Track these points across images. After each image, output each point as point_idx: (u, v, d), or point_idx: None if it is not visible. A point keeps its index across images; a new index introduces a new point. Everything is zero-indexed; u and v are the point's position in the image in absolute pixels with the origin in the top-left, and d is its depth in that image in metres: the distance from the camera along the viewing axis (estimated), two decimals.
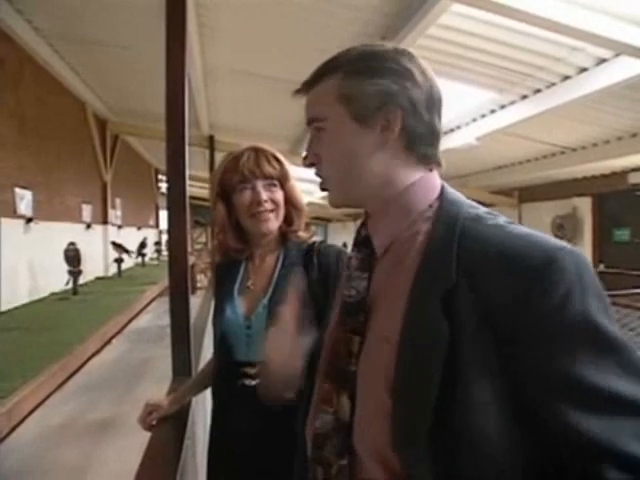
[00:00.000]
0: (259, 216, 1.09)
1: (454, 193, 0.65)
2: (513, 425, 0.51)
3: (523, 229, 0.56)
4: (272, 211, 1.11)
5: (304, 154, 0.69)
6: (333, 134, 0.64)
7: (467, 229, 0.57)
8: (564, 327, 0.49)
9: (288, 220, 1.15)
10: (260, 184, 1.10)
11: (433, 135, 0.64)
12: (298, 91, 0.68)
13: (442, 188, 0.65)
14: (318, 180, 0.69)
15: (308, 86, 0.66)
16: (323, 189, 0.69)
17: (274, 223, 1.11)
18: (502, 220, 0.59)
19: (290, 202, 1.14)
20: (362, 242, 0.68)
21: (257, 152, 1.12)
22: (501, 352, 0.51)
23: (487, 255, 0.53)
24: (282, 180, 1.12)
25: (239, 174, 1.10)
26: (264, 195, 1.09)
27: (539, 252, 0.51)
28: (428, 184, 0.64)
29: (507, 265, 0.51)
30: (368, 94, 0.61)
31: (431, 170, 0.65)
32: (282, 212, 1.13)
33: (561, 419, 0.49)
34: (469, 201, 0.64)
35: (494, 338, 0.51)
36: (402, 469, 0.53)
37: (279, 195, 1.12)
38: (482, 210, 0.61)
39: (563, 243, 0.53)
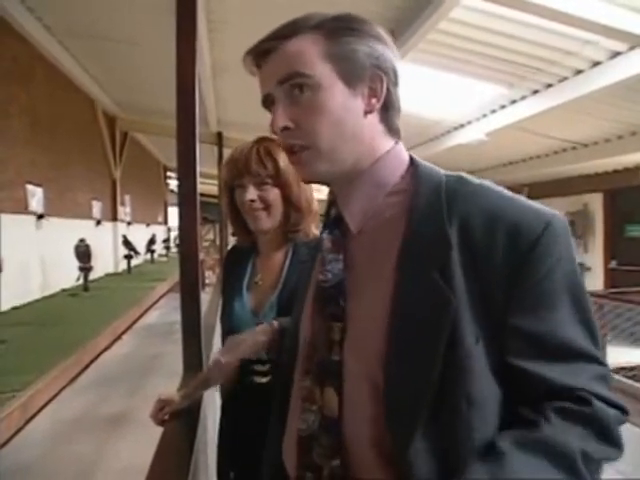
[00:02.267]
0: (250, 214, 1.08)
1: (425, 163, 0.62)
2: (498, 382, 0.52)
3: (509, 193, 0.57)
4: (263, 210, 1.07)
5: (276, 117, 0.58)
6: (321, 94, 0.56)
7: (454, 191, 0.56)
8: (554, 288, 0.52)
9: (287, 219, 1.10)
10: (250, 183, 1.07)
11: (399, 108, 0.63)
12: (260, 47, 0.58)
13: (411, 159, 0.63)
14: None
15: (276, 41, 0.57)
16: (295, 160, 0.60)
17: (266, 222, 1.08)
18: (485, 181, 0.58)
19: (288, 201, 1.08)
20: (333, 222, 0.64)
21: (252, 149, 1.08)
22: (492, 315, 0.51)
23: (482, 217, 0.53)
24: (276, 178, 1.07)
25: (233, 171, 1.09)
26: (252, 194, 1.06)
27: (534, 218, 0.53)
28: (398, 155, 0.62)
29: (506, 229, 0.52)
30: (361, 53, 0.57)
31: (397, 142, 0.63)
32: (277, 211, 1.08)
33: (535, 370, 0.51)
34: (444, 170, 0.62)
35: (491, 301, 0.51)
36: (400, 456, 0.51)
37: (271, 194, 1.07)
38: (462, 173, 0.60)
39: (551, 209, 0.55)
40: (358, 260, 0.60)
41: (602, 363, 0.53)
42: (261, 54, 0.59)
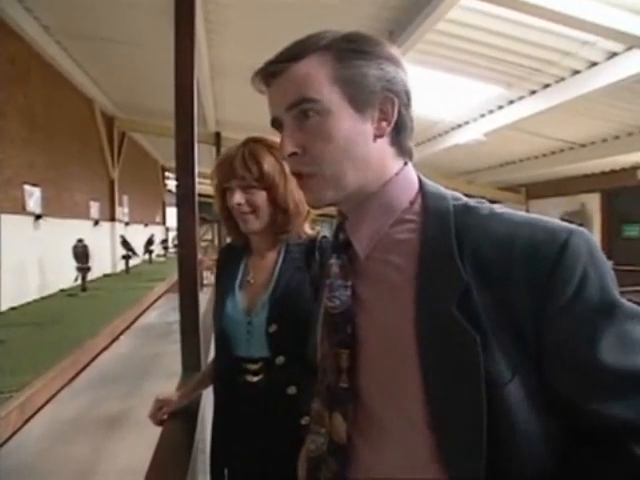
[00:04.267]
0: (239, 217, 1.09)
1: (434, 185, 0.61)
2: (547, 417, 0.50)
3: (520, 214, 0.54)
4: (251, 213, 1.08)
5: (283, 143, 0.57)
6: (329, 120, 0.55)
7: (462, 223, 0.54)
8: (585, 312, 0.48)
9: (274, 221, 1.10)
10: (236, 186, 1.07)
11: (412, 129, 0.61)
12: (267, 70, 0.57)
13: (420, 181, 0.61)
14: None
15: (284, 63, 0.56)
16: (302, 186, 0.59)
17: (254, 224, 1.08)
18: (496, 208, 0.56)
19: (275, 204, 1.08)
20: (341, 246, 0.62)
21: (238, 153, 1.08)
22: (526, 346, 0.49)
23: (495, 247, 0.51)
24: (261, 181, 1.07)
25: (222, 175, 1.10)
26: (239, 198, 1.06)
27: (550, 239, 0.50)
28: (407, 178, 0.60)
29: (521, 257, 0.49)
30: (371, 77, 0.55)
31: (406, 164, 0.61)
32: (264, 213, 1.08)
33: (586, 407, 0.49)
34: (451, 192, 0.60)
35: (518, 333, 0.49)
36: None
37: (258, 197, 1.07)
38: (469, 200, 0.58)
39: (568, 225, 0.52)
40: (368, 288, 0.58)
41: None
42: (270, 75, 0.58)
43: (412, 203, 0.58)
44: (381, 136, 0.57)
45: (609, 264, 0.52)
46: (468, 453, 0.49)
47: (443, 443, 0.50)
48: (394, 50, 0.58)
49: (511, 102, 5.13)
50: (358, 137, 0.56)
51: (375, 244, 0.58)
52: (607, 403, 0.48)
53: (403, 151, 0.60)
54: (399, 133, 0.58)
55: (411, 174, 0.61)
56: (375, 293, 0.57)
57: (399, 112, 0.57)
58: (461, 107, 5.56)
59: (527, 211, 9.34)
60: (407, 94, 0.58)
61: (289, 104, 0.56)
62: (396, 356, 0.54)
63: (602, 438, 0.49)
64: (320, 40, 0.56)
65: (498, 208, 0.56)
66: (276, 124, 0.60)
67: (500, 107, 5.35)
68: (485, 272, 0.50)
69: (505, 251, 0.50)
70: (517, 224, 0.52)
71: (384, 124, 0.57)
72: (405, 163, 0.61)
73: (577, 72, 4.15)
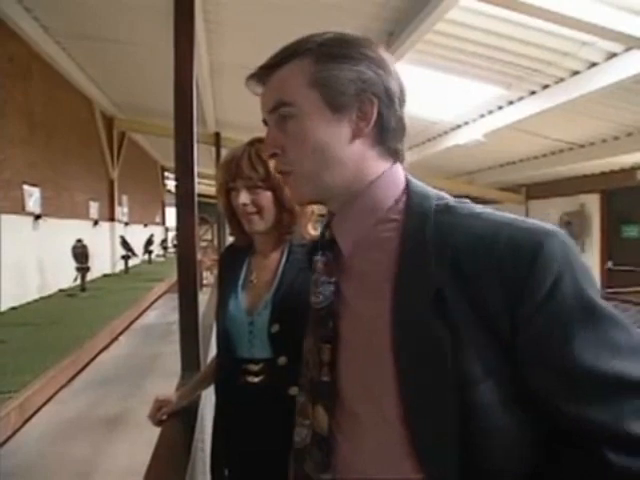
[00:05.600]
0: (244, 217, 1.09)
1: (420, 185, 0.62)
2: (523, 417, 0.51)
3: (499, 214, 0.55)
4: (256, 213, 1.08)
5: (265, 143, 0.62)
6: (303, 122, 0.58)
7: (441, 223, 0.55)
8: (559, 313, 0.49)
9: (280, 221, 1.10)
10: (242, 186, 1.08)
11: (402, 129, 0.61)
12: (257, 74, 0.61)
13: (407, 181, 0.61)
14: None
15: (270, 69, 0.60)
16: (284, 182, 0.63)
17: (259, 225, 1.09)
18: (476, 208, 0.57)
19: (280, 204, 1.09)
20: (326, 244, 0.64)
21: (244, 153, 1.09)
22: (501, 346, 0.50)
23: (472, 247, 0.51)
24: (267, 182, 1.07)
25: (227, 174, 1.10)
26: (244, 198, 1.07)
27: (526, 240, 0.50)
28: (393, 178, 0.61)
29: (497, 257, 0.50)
30: (345, 79, 0.57)
31: (394, 164, 0.62)
32: (270, 214, 1.09)
33: (564, 408, 0.49)
34: (436, 191, 0.61)
35: (493, 334, 0.50)
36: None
37: (264, 197, 1.07)
38: (451, 200, 0.59)
39: (545, 226, 0.52)
40: (350, 284, 0.60)
41: None
42: (260, 79, 0.62)
43: (397, 202, 0.59)
44: (359, 136, 0.58)
45: (588, 266, 0.52)
46: (440, 450, 0.49)
47: (416, 439, 0.51)
48: (378, 52, 0.59)
49: (511, 102, 5.13)
50: (333, 138, 0.57)
51: (359, 242, 0.60)
52: (581, 406, 0.48)
53: (389, 152, 0.61)
54: (382, 134, 0.59)
55: (397, 174, 0.61)
56: (356, 289, 0.59)
57: (379, 112, 0.58)
58: (461, 108, 5.56)
59: (527, 211, 9.37)
60: (389, 95, 0.58)
61: (270, 108, 0.60)
62: (372, 352, 0.55)
63: (577, 441, 0.49)
64: (304, 45, 0.58)
65: (478, 208, 0.57)
66: (265, 124, 0.64)
67: (500, 107, 5.35)
68: (461, 272, 0.51)
69: (481, 251, 0.51)
70: (495, 224, 0.53)
71: (362, 124, 0.58)
72: (393, 163, 0.62)
73: (576, 73, 4.15)
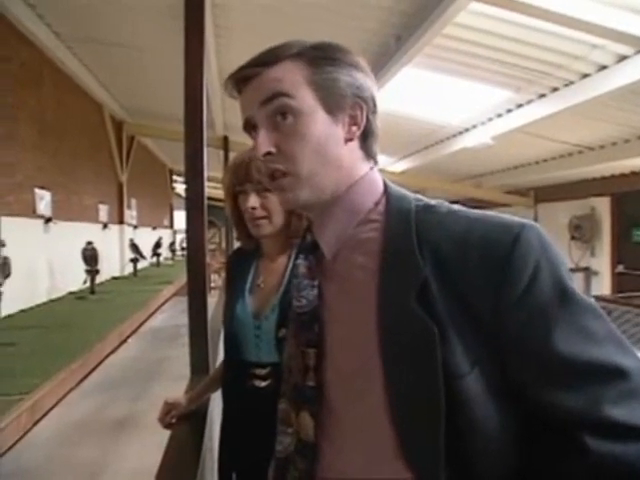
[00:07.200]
0: (252, 221, 1.09)
1: (397, 188, 0.63)
2: (509, 410, 0.52)
3: (476, 212, 0.57)
4: (265, 217, 1.08)
5: (259, 142, 0.58)
6: (303, 118, 0.57)
7: (422, 221, 0.56)
8: (539, 302, 0.50)
9: (288, 225, 1.11)
10: (251, 190, 1.08)
11: (377, 134, 0.63)
12: (240, 72, 0.59)
13: (385, 184, 0.63)
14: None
15: (261, 66, 0.58)
16: (275, 187, 0.60)
17: (267, 228, 1.09)
18: (454, 207, 0.59)
19: (290, 209, 1.08)
20: (308, 248, 0.64)
21: (253, 158, 1.07)
22: (485, 338, 0.51)
23: (453, 243, 0.53)
24: None
25: (235, 178, 1.10)
26: (253, 202, 1.07)
27: (502, 233, 0.52)
28: (372, 181, 0.62)
29: (476, 252, 0.51)
30: (343, 83, 0.58)
31: (372, 168, 0.63)
32: (278, 218, 1.09)
33: (544, 396, 0.50)
34: (413, 194, 0.62)
35: (477, 327, 0.51)
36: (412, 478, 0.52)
37: (273, 201, 1.07)
38: (428, 200, 0.61)
39: (520, 220, 0.54)
40: (333, 287, 0.60)
41: (622, 372, 0.49)
42: (242, 80, 0.60)
43: (377, 204, 0.60)
44: (351, 140, 0.60)
45: (563, 257, 0.54)
46: (429, 448, 0.50)
47: (405, 439, 0.52)
48: (361, 59, 0.61)
49: (520, 106, 5.10)
50: (330, 139, 0.58)
51: (341, 244, 0.60)
52: (560, 393, 0.49)
53: (370, 155, 0.63)
54: (367, 138, 0.61)
55: (376, 177, 0.63)
56: (340, 292, 0.59)
57: (367, 118, 0.60)
58: (469, 111, 5.54)
59: (535, 214, 9.29)
60: (374, 101, 0.61)
61: (264, 99, 0.57)
62: (359, 354, 0.56)
63: (559, 430, 0.50)
64: (291, 48, 0.58)
65: (456, 207, 0.59)
66: (248, 127, 0.61)
67: (509, 111, 5.32)
68: (444, 268, 0.52)
69: (461, 247, 0.52)
70: (472, 220, 0.55)
71: (354, 128, 0.59)
72: (371, 168, 0.63)
73: (587, 75, 4.12)
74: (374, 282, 0.55)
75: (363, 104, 0.59)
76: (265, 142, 0.58)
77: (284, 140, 0.57)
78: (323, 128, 0.57)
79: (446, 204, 0.59)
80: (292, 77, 0.57)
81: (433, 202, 0.60)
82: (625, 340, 0.52)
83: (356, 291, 0.57)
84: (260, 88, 0.58)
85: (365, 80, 0.60)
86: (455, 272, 0.52)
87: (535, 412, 0.52)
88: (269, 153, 0.58)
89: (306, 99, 0.57)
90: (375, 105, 0.61)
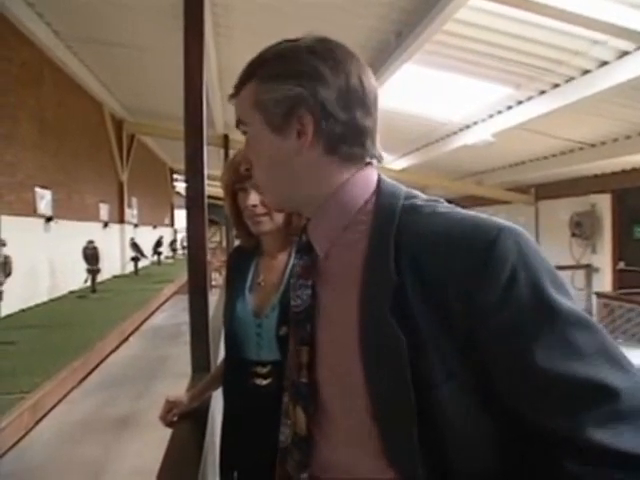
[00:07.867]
0: (252, 218, 1.09)
1: (391, 185, 0.61)
2: (488, 420, 0.51)
3: (460, 213, 0.54)
4: (265, 214, 1.07)
5: (243, 158, 0.70)
6: (255, 141, 0.62)
7: (404, 222, 0.55)
8: (515, 313, 0.47)
9: (289, 223, 1.11)
10: (252, 187, 1.06)
11: (357, 132, 0.58)
12: (232, 96, 0.65)
13: (378, 182, 0.61)
14: None
15: (236, 90, 0.63)
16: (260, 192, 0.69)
17: (267, 225, 1.09)
18: (441, 207, 0.56)
19: None
20: (304, 248, 0.66)
21: None
22: (462, 348, 0.49)
23: (430, 248, 0.51)
24: None
25: (235, 175, 1.09)
26: (254, 199, 1.06)
27: (479, 236, 0.50)
28: (361, 181, 0.60)
29: (451, 253, 0.50)
30: (275, 101, 0.58)
31: (366, 165, 0.62)
32: (279, 215, 1.09)
33: (522, 412, 0.49)
34: (408, 191, 0.60)
35: (453, 335, 0.49)
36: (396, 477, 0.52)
37: None
38: (420, 199, 0.59)
39: (502, 222, 0.51)
40: (325, 286, 0.61)
41: (610, 391, 0.44)
42: (231, 95, 0.64)
43: (366, 203, 0.60)
44: (302, 150, 0.59)
45: (548, 263, 0.50)
46: (407, 449, 0.50)
47: (387, 438, 0.52)
48: (312, 61, 0.57)
49: (520, 102, 5.08)
50: (278, 154, 0.60)
51: (331, 244, 0.61)
52: (542, 414, 0.47)
53: (347, 158, 0.60)
54: (331, 143, 0.58)
55: (366, 177, 0.61)
56: (330, 292, 0.61)
57: (318, 125, 0.57)
58: (469, 108, 5.53)
59: (536, 211, 9.28)
60: (322, 105, 0.56)
61: (235, 124, 0.64)
62: (344, 352, 0.56)
63: (538, 445, 0.48)
64: (253, 67, 0.60)
65: (442, 207, 0.57)
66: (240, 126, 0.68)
67: (509, 107, 5.30)
68: (420, 272, 0.51)
69: (437, 251, 0.51)
70: (451, 224, 0.52)
71: (303, 139, 0.58)
72: (362, 167, 0.61)
73: (587, 72, 4.10)
74: (357, 286, 0.56)
75: (306, 115, 0.57)
76: (245, 158, 0.69)
77: (251, 155, 0.65)
78: (268, 146, 0.60)
79: (436, 204, 0.57)
80: (247, 102, 0.60)
81: (421, 201, 0.58)
82: (620, 355, 0.47)
83: (342, 292, 0.58)
84: (235, 111, 0.64)
85: (304, 87, 0.56)
86: (431, 278, 0.50)
87: (519, 426, 0.50)
88: (247, 169, 0.68)
89: (255, 123, 0.60)
90: (326, 109, 0.57)
